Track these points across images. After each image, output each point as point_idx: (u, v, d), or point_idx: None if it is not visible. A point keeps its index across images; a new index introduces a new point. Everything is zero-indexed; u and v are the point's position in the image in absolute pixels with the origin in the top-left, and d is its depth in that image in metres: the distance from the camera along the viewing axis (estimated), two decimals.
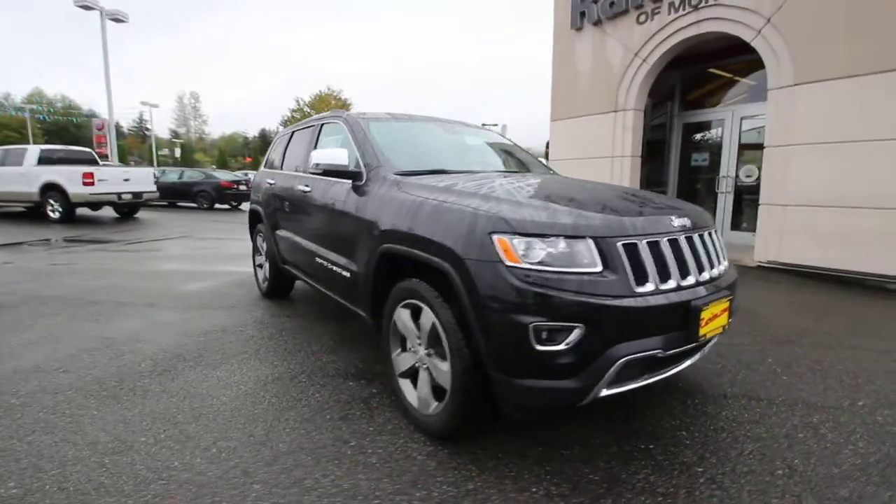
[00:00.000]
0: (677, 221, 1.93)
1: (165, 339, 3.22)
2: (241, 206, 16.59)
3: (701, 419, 2.25)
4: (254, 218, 4.53)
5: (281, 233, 3.74)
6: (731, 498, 1.70)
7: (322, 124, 3.41)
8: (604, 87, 7.27)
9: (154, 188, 11.61)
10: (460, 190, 2.06)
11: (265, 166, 4.52)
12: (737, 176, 7.14)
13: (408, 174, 2.46)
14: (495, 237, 1.70)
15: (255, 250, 4.57)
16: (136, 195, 10.98)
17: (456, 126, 3.46)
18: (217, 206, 15.95)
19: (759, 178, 6.75)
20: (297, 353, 3.03)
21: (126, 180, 10.68)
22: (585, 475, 1.83)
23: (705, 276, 1.92)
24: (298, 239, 3.37)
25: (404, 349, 2.27)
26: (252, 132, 68.77)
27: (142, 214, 12.71)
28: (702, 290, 1.86)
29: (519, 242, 1.67)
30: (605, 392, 1.71)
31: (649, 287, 1.72)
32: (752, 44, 5.54)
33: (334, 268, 2.77)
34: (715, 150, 7.45)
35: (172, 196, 15.71)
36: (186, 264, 6.04)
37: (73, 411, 2.25)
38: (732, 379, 2.69)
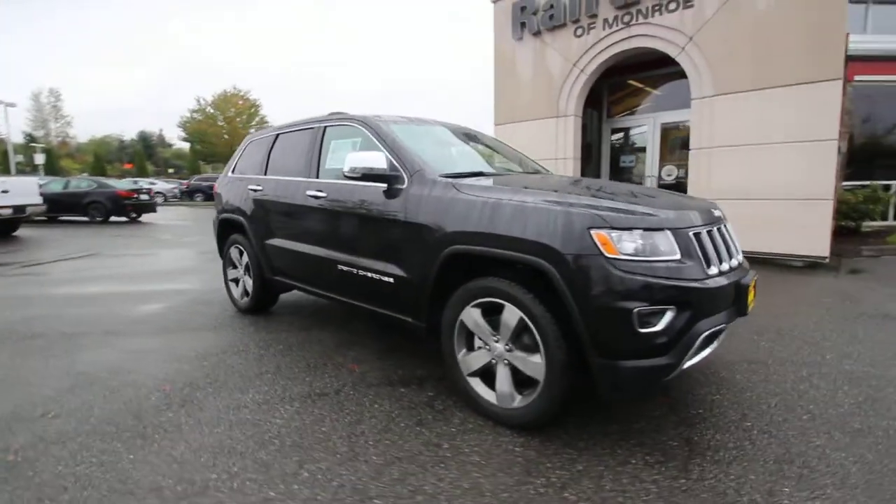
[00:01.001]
0: (715, 213, 2.23)
1: (158, 369, 2.84)
2: (141, 218, 14.78)
3: (724, 384, 2.59)
4: (226, 229, 4.14)
5: (275, 242, 3.49)
6: (784, 442, 2.01)
7: (325, 127, 3.26)
8: (545, 94, 7.79)
9: (40, 200, 9.91)
10: (533, 190, 2.15)
11: (234, 172, 4.17)
12: (659, 175, 8.09)
13: (454, 176, 2.49)
14: (594, 232, 1.83)
15: (228, 264, 4.19)
16: (18, 209, 9.27)
17: (459, 128, 3.52)
18: (113, 218, 14.01)
19: (678, 177, 7.74)
20: (322, 366, 2.87)
21: (4, 192, 8.97)
22: (665, 442, 2.03)
23: (737, 259, 2.24)
24: (305, 247, 3.18)
25: (471, 348, 2.30)
26: (129, 134, 61.26)
27: (21, 232, 10.74)
28: (741, 271, 2.17)
29: (617, 236, 1.82)
30: (686, 365, 1.92)
31: (714, 270, 1.97)
32: (677, 59, 6.36)
33: (369, 275, 2.69)
34: (640, 152, 8.37)
35: (57, 209, 13.46)
36: (118, 285, 5.29)
37: (102, 458, 1.93)
38: (726, 348, 3.11)
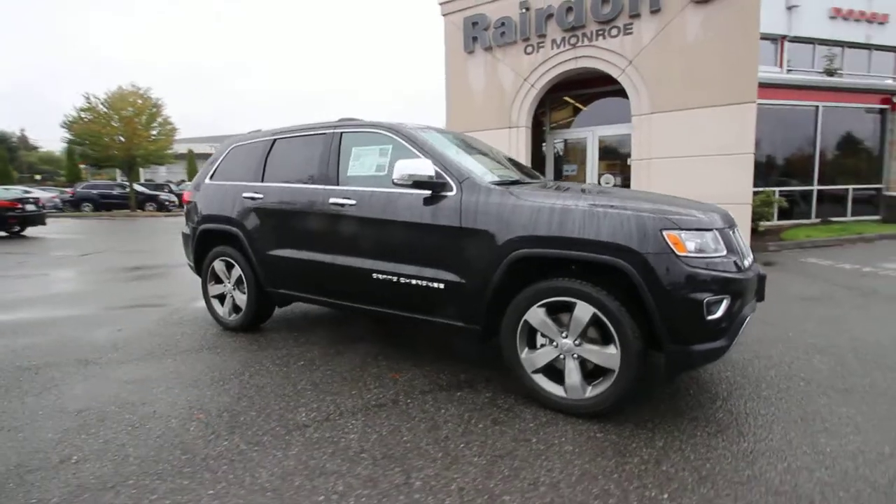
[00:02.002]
0: (730, 216, 2.60)
1: (175, 397, 2.56)
2: (25, 232, 12.64)
3: (727, 364, 2.99)
4: (208, 241, 3.80)
5: (281, 253, 3.29)
6: (799, 404, 2.40)
7: (341, 133, 3.17)
8: (497, 105, 8.17)
9: None
10: (592, 196, 2.34)
11: (213, 179, 3.85)
12: (598, 183, 8.87)
13: (501, 184, 2.61)
14: (665, 233, 2.06)
15: (211, 279, 3.83)
16: None
17: (459, 135, 3.62)
18: None
19: (615, 185, 8.56)
20: (361, 378, 2.79)
21: None
22: (713, 415, 2.31)
23: (750, 254, 2.64)
24: (326, 257, 3.05)
25: (532, 347, 2.42)
26: None
27: None
28: (755, 264, 2.55)
29: (685, 236, 2.07)
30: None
31: (747, 263, 2.31)
32: (619, 79, 7.08)
33: (413, 282, 2.68)
34: (580, 161, 9.11)
35: None
36: (51, 309, 4.56)
37: (177, 499, 1.72)
38: None
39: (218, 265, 3.75)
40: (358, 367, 2.97)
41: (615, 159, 8.83)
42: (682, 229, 2.08)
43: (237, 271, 3.62)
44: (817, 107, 10.52)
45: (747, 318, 2.28)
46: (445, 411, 2.37)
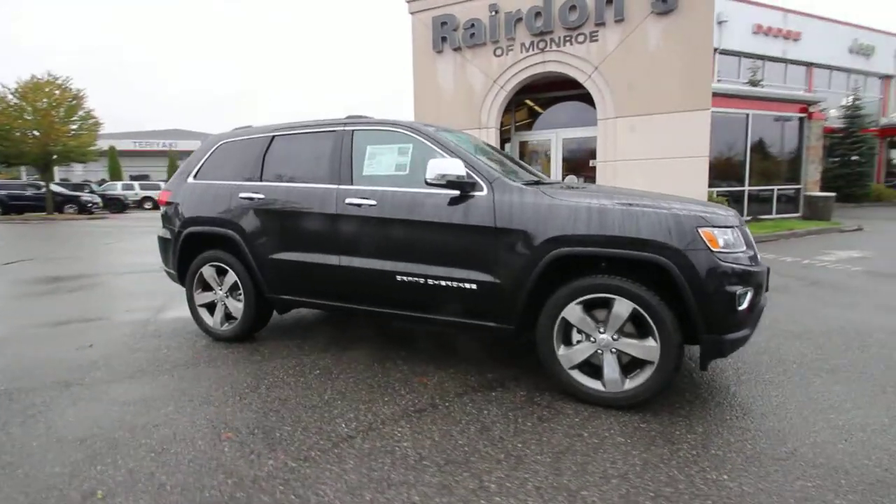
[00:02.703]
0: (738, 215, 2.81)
1: (190, 417, 2.35)
2: None
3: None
4: (194, 245, 3.51)
5: (287, 256, 3.11)
6: (800, 385, 2.63)
7: (353, 131, 3.06)
8: (467, 106, 8.24)
9: None
10: (624, 196, 2.43)
11: (196, 178, 3.57)
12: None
13: (531, 184, 2.65)
14: (701, 230, 2.19)
15: (198, 287, 3.54)
16: None
17: (468, 134, 3.62)
18: None
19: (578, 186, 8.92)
20: (389, 384, 2.71)
21: None
22: (735, 399, 2.49)
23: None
24: (342, 259, 2.93)
25: (568, 343, 2.47)
26: None
27: None
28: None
29: (717, 233, 2.21)
30: None
31: (759, 257, 2.51)
32: (585, 84, 7.39)
33: (443, 283, 2.64)
34: (545, 161, 9.41)
35: None
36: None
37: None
38: None
39: (207, 271, 3.47)
40: (379, 372, 2.88)
41: (578, 161, 9.20)
42: (714, 226, 2.22)
43: (231, 277, 3.37)
44: (748, 114, 11.59)
45: (763, 308, 2.48)
46: (488, 412, 2.37)
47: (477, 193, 2.59)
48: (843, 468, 1.87)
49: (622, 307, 2.29)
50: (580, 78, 7.41)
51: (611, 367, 2.37)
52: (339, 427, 2.23)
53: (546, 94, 8.87)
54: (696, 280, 2.16)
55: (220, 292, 3.47)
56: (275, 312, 3.59)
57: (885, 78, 19.18)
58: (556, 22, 7.28)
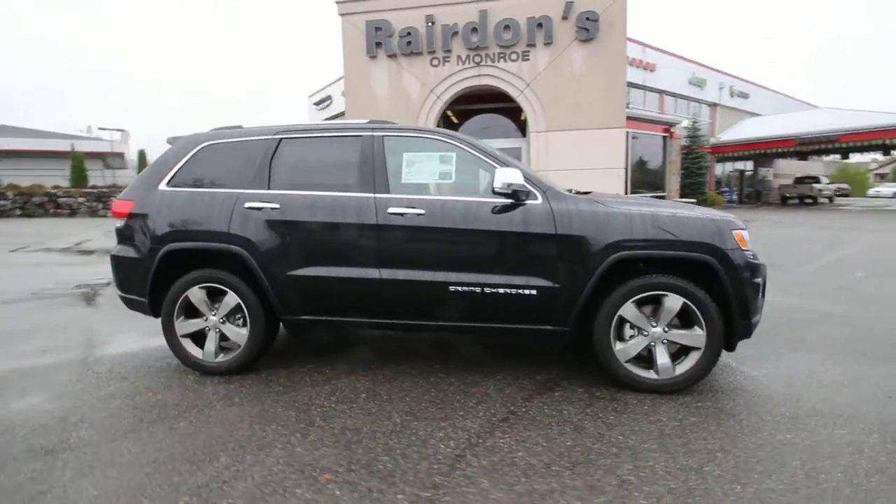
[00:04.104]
0: None
1: (268, 467, 2.02)
2: None
3: None
4: (173, 266, 2.96)
5: (312, 272, 2.82)
6: (803, 360, 3.21)
7: (383, 136, 2.91)
8: (404, 114, 8.21)
9: None
10: (660, 203, 2.75)
11: (171, 184, 3.04)
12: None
13: (569, 192, 2.83)
14: (734, 232, 2.58)
15: (179, 315, 2.99)
16: None
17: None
18: None
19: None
20: (451, 400, 2.62)
21: None
22: (754, 372, 2.94)
23: None
24: (382, 272, 2.75)
25: (622, 339, 2.69)
26: None
27: None
28: None
29: (744, 234, 2.62)
30: None
31: None
32: (518, 99, 7.92)
33: (501, 291, 2.66)
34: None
35: None
36: None
37: None
38: None
39: (196, 294, 2.96)
40: (429, 387, 2.77)
41: None
42: (740, 229, 2.63)
43: (232, 299, 2.93)
44: (627, 132, 13.48)
45: None
46: (568, 412, 2.46)
47: (531, 202, 2.68)
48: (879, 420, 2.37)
49: (673, 302, 2.58)
50: (513, 93, 7.93)
51: (663, 357, 2.64)
52: (438, 448, 2.12)
53: (479, 105, 9.27)
54: (734, 275, 2.54)
55: (213, 318, 2.99)
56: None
57: (713, 105, 23.96)
58: (490, 39, 7.69)
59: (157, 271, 2.96)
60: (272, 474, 1.93)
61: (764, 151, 22.54)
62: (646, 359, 2.70)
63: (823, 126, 19.65)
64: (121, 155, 29.95)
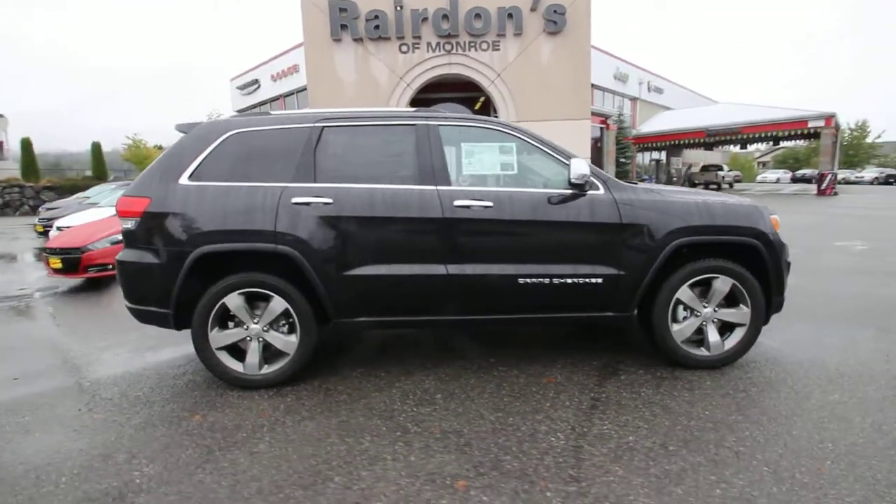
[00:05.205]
0: None
1: (395, 481, 1.89)
2: None
3: None
4: (206, 271, 2.63)
5: (374, 271, 2.64)
6: (811, 339, 3.63)
7: (438, 126, 2.79)
8: (372, 100, 7.88)
9: None
10: (697, 193, 2.95)
11: (205, 179, 2.69)
12: None
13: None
14: (772, 217, 2.84)
15: (213, 325, 2.66)
16: None
17: None
18: None
19: None
20: (531, 393, 2.62)
21: None
22: (784, 348, 3.28)
23: None
24: (450, 268, 2.66)
25: (676, 321, 2.86)
26: None
27: None
28: None
29: (777, 218, 2.90)
30: None
31: None
32: (488, 89, 7.95)
33: (568, 281, 2.70)
34: None
35: None
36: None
37: None
38: None
39: (234, 301, 2.65)
40: (502, 381, 2.76)
41: None
42: (774, 214, 2.90)
43: (278, 304, 2.67)
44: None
45: None
46: (646, 394, 2.57)
47: (593, 192, 2.74)
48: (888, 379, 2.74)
49: (723, 284, 2.79)
50: (484, 83, 7.95)
51: (714, 335, 2.85)
52: (551, 442, 2.13)
53: (449, 94, 9.15)
54: (773, 255, 2.80)
55: (256, 326, 2.71)
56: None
57: (633, 99, 25.86)
58: (461, 27, 7.62)
59: (185, 277, 2.61)
60: (403, 488, 1.82)
61: (679, 142, 24.88)
62: (693, 339, 2.89)
63: (728, 119, 22.08)
64: None
